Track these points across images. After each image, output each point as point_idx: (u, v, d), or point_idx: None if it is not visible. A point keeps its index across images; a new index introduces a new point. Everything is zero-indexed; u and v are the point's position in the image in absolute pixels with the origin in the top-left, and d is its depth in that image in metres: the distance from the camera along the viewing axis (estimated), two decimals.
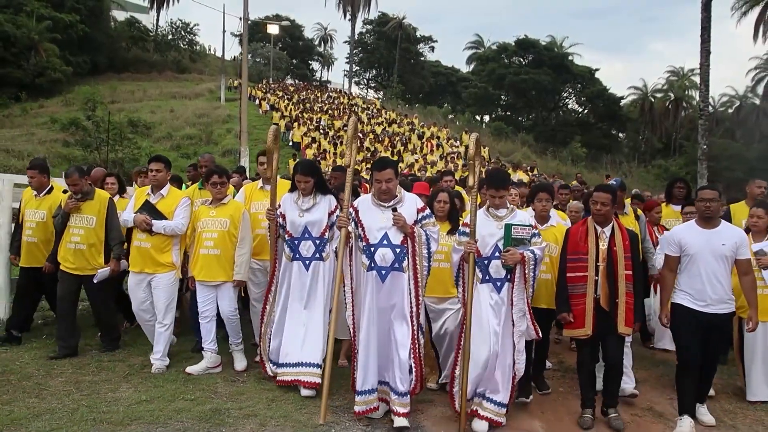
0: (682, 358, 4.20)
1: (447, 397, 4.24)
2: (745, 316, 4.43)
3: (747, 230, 4.92)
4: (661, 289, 4.40)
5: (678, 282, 4.25)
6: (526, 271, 4.06)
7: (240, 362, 4.89)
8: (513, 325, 4.05)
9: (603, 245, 4.14)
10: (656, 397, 4.83)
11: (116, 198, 5.87)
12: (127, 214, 5.01)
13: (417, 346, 4.02)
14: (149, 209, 4.90)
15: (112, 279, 5.34)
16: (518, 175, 16.50)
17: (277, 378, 4.45)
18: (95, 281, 5.11)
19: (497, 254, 4.07)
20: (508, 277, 4.08)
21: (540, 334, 4.26)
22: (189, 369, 4.75)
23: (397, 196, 4.10)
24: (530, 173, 18.88)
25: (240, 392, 4.32)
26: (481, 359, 3.98)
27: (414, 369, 4.00)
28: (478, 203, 4.09)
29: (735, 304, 4.24)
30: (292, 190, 4.64)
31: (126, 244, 5.39)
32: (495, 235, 4.11)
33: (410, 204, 4.14)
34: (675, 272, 4.26)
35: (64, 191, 5.39)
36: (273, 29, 35.82)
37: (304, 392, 4.32)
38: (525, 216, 4.28)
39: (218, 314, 4.87)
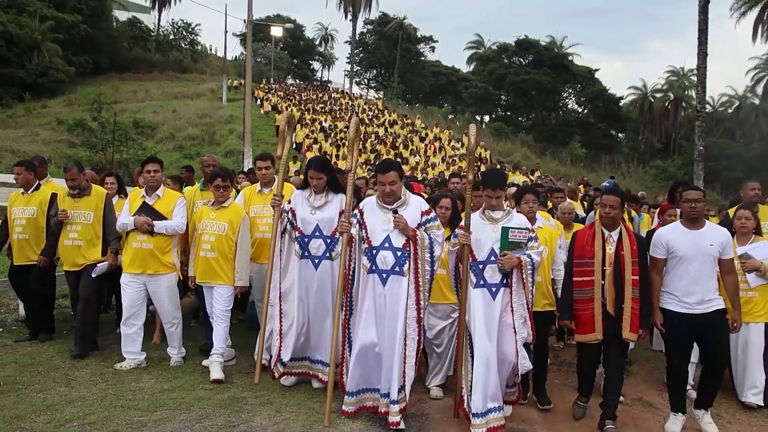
0: (671, 361, 4.25)
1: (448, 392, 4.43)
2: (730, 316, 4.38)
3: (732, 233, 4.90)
4: (650, 292, 4.31)
5: (664, 285, 4.23)
6: (524, 276, 3.96)
7: (216, 373, 4.61)
8: (515, 332, 3.96)
9: (610, 249, 4.09)
10: (647, 389, 5.08)
11: (116, 198, 5.90)
12: (125, 218, 4.95)
13: (408, 353, 3.93)
14: (148, 210, 4.90)
15: (104, 280, 5.34)
16: (517, 178, 16.58)
17: (289, 370, 4.48)
18: (93, 275, 5.12)
19: (493, 258, 3.99)
20: (504, 282, 3.98)
21: (534, 338, 4.15)
22: (206, 362, 4.86)
23: (401, 198, 4.08)
24: (530, 176, 18.76)
25: (255, 383, 4.55)
26: (475, 369, 3.91)
27: (403, 378, 3.91)
28: (472, 198, 4.07)
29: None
30: (304, 187, 4.58)
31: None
32: (491, 239, 4.02)
33: (414, 207, 4.10)
34: (662, 275, 4.24)
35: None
36: (277, 31, 35.98)
37: (316, 384, 4.49)
38: (522, 219, 4.17)
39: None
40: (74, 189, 5.19)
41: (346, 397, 3.99)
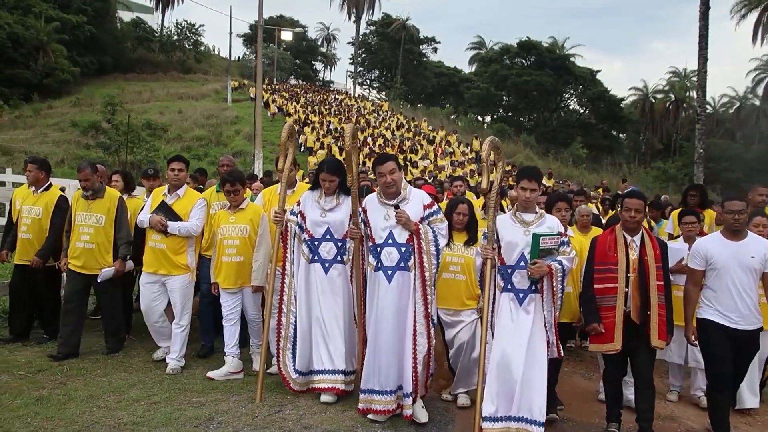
0: (715, 375, 4.05)
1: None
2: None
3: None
4: (686, 304, 4.16)
5: (704, 297, 4.08)
6: (554, 284, 3.83)
7: (258, 364, 4.60)
8: (545, 338, 3.84)
9: (633, 255, 3.95)
10: None
11: (125, 196, 5.69)
12: (143, 214, 4.99)
13: (419, 348, 3.94)
14: (165, 210, 4.90)
15: (122, 280, 5.35)
16: None
17: (312, 386, 4.33)
18: (99, 280, 5.06)
19: (522, 264, 3.86)
20: (533, 288, 3.87)
21: (562, 353, 4.02)
22: (210, 374, 4.69)
23: (401, 193, 4.06)
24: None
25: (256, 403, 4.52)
26: (496, 375, 3.82)
27: (414, 371, 3.92)
28: (494, 207, 3.95)
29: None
30: (314, 188, 4.48)
31: (134, 243, 5.34)
32: (521, 243, 3.89)
33: (416, 201, 4.07)
34: (699, 286, 4.10)
35: (62, 188, 5.49)
36: (287, 36, 36.40)
37: (325, 398, 4.24)
38: (554, 222, 4.03)
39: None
40: (87, 190, 5.11)
41: (360, 394, 4.00)
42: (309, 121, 27.61)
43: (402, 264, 3.96)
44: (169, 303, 5.06)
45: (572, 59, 46.52)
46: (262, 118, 19.02)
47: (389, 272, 3.95)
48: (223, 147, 26.79)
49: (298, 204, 4.47)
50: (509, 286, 3.90)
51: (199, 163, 21.51)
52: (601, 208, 9.26)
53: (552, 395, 4.44)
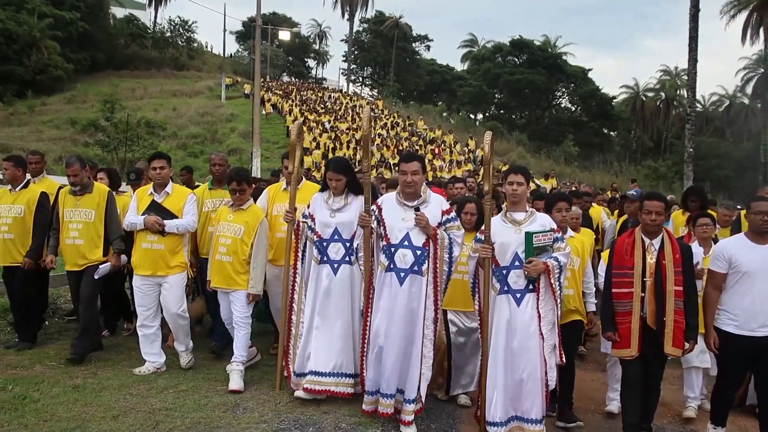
0: (722, 383, 4.08)
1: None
2: None
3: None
4: (705, 309, 4.05)
5: (721, 302, 3.99)
6: (552, 281, 3.79)
7: (235, 382, 4.41)
8: (542, 338, 3.80)
9: (651, 259, 3.84)
10: None
11: None
12: (133, 217, 4.76)
13: (426, 354, 3.92)
14: (158, 209, 4.72)
15: (107, 279, 5.24)
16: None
17: (307, 386, 4.18)
18: (96, 277, 4.97)
19: (517, 263, 3.83)
20: (530, 287, 3.82)
21: (564, 359, 3.92)
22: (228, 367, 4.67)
23: (421, 195, 4.02)
24: (545, 182, 18.85)
25: (276, 391, 4.62)
26: (498, 378, 3.81)
27: (420, 378, 3.89)
28: (489, 206, 3.93)
29: None
30: (323, 189, 4.42)
31: (124, 243, 5.18)
32: (513, 243, 3.85)
33: (435, 205, 4.04)
34: (720, 290, 3.99)
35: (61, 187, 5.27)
36: (284, 35, 36.51)
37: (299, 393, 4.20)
38: (545, 219, 4.00)
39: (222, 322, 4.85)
40: (75, 185, 4.99)
41: (365, 396, 4.02)
42: (305, 120, 27.80)
43: (415, 267, 3.90)
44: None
45: (564, 57, 47.04)
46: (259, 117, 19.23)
47: (401, 274, 3.90)
48: (219, 144, 26.96)
49: (309, 206, 4.43)
50: (506, 288, 3.86)
51: (195, 161, 21.71)
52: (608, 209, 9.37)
53: (567, 411, 4.49)
